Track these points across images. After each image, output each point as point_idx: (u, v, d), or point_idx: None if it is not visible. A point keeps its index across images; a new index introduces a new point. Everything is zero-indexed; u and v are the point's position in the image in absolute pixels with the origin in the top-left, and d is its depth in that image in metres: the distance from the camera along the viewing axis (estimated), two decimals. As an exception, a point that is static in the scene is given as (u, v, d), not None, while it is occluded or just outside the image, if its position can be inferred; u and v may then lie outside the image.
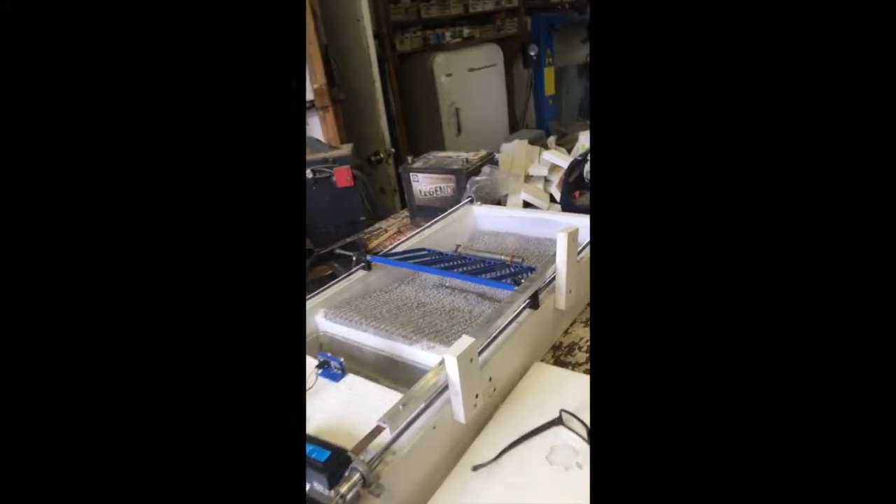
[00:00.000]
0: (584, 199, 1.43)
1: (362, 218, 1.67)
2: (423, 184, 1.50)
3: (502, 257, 1.07)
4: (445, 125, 3.54)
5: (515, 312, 0.81)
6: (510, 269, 1.03)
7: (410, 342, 0.86)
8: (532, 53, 3.72)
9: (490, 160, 1.52)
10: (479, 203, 1.37)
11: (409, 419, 0.65)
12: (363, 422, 0.66)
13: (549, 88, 4.09)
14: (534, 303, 0.84)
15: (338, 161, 1.59)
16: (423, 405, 0.67)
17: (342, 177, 1.58)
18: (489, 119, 3.97)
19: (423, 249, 1.14)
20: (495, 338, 0.78)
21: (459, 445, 0.72)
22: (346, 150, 1.65)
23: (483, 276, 0.95)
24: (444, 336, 0.90)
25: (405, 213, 1.68)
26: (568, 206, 1.41)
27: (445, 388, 0.69)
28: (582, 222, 1.23)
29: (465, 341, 0.68)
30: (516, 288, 0.84)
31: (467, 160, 1.48)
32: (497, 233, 1.36)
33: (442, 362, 0.68)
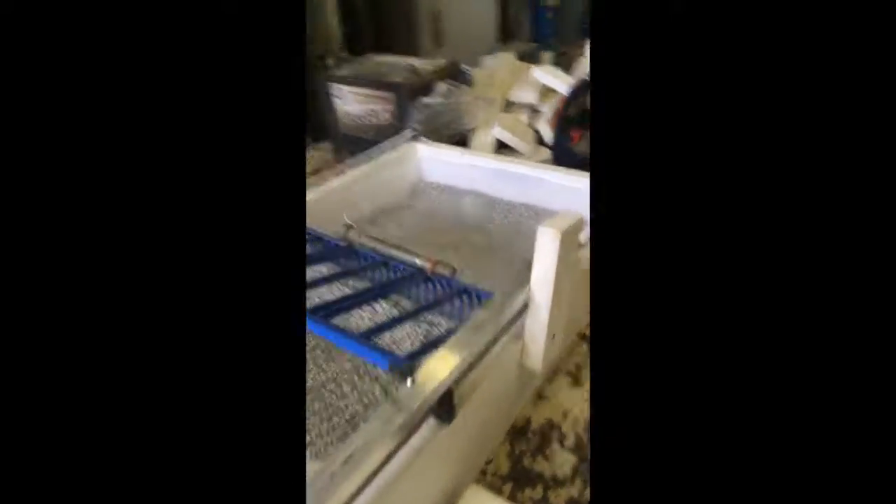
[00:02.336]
0: (586, 144, 0.95)
1: (267, 147, 1.17)
2: (351, 101, 1.00)
3: (417, 262, 0.59)
4: (423, 33, 2.91)
5: (393, 446, 0.34)
6: (431, 292, 0.57)
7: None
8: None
9: (454, 73, 1.01)
10: (425, 140, 0.89)
11: None
12: None
13: (551, -4, 3.42)
14: (447, 411, 0.37)
15: (226, 58, 1.07)
16: None
17: (232, 83, 1.07)
18: (476, 28, 3.32)
19: None
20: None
21: None
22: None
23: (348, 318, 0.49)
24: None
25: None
26: (563, 153, 0.93)
27: None
28: (584, 185, 0.77)
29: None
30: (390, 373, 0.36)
31: (415, 70, 0.96)
32: (451, 188, 0.89)
33: None
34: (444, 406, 0.35)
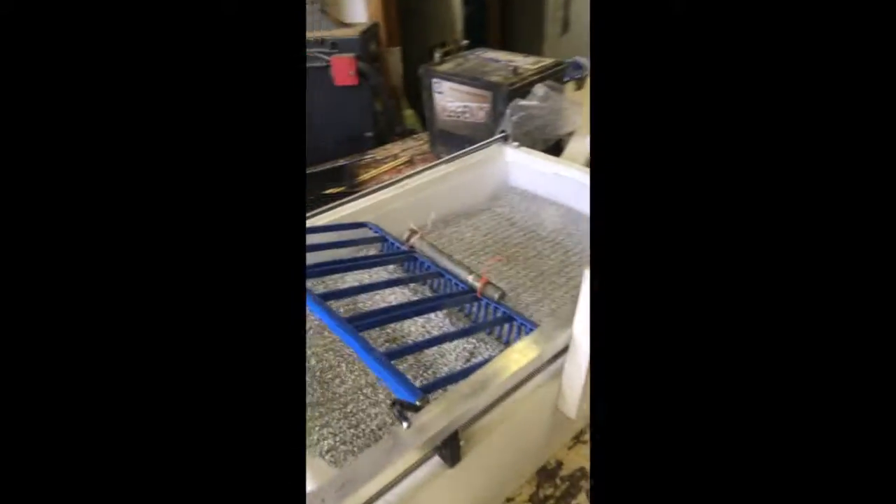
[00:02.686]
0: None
1: (368, 134, 1.21)
2: (449, 97, 1.00)
3: (469, 279, 0.58)
4: (550, 20, 2.81)
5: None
6: (482, 311, 0.55)
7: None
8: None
9: (555, 75, 0.96)
10: (516, 144, 0.86)
11: None
12: None
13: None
14: (451, 454, 0.36)
15: (338, 46, 1.11)
16: None
17: (342, 71, 1.11)
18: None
19: (365, 225, 0.67)
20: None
21: None
22: (353, 30, 1.15)
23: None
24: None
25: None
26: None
27: None
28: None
29: None
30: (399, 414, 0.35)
31: (516, 70, 0.93)
32: (535, 197, 0.86)
33: None
34: (449, 448, 0.34)
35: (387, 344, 0.58)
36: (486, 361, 0.41)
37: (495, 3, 2.61)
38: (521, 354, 0.41)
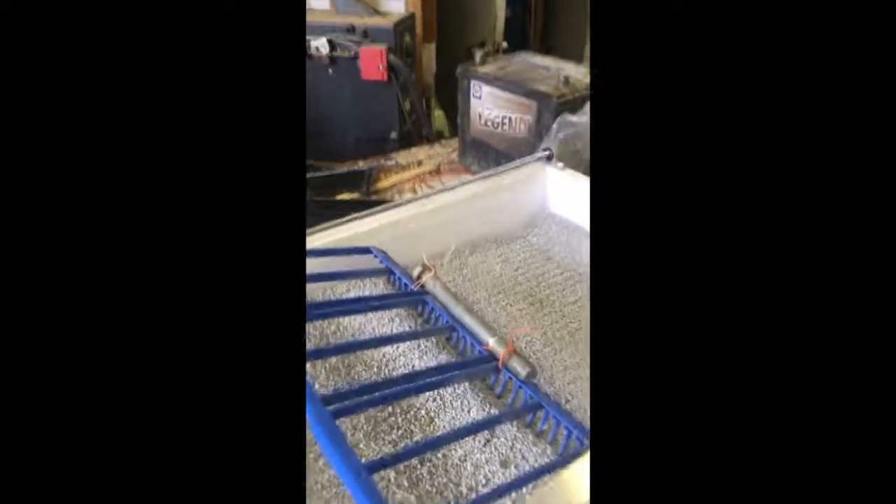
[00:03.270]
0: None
1: (393, 135, 1.10)
2: (488, 103, 0.88)
3: (490, 342, 0.45)
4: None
5: None
6: (504, 385, 0.43)
7: None
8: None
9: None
10: (560, 164, 0.74)
11: None
12: None
13: None
14: None
15: (370, 36, 1.00)
16: None
17: (371, 63, 1.00)
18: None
19: (370, 251, 0.56)
20: None
21: None
22: (387, 20, 1.04)
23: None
24: None
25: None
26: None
27: None
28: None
29: None
30: None
31: (567, 80, 0.81)
32: (576, 227, 0.74)
33: None
34: None
35: (387, 411, 0.46)
36: (511, 487, 0.29)
37: (540, 6, 2.49)
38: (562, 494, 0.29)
